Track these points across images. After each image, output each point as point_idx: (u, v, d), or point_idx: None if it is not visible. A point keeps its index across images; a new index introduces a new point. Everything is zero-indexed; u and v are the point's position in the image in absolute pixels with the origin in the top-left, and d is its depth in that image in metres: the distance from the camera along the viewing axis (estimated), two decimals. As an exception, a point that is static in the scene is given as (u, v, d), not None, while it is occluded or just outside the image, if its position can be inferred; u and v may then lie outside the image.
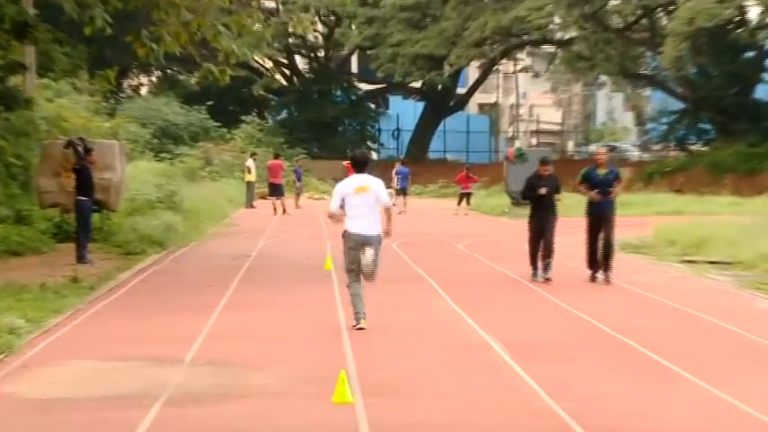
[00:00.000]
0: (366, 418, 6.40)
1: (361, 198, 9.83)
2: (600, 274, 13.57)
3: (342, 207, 9.83)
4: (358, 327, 9.74)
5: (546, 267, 13.59)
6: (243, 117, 46.87)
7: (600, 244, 13.47)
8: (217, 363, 8.14)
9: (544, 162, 13.94)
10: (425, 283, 13.52)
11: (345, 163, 11.76)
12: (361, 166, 10.16)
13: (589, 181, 13.59)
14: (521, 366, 8.03)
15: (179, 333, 9.47)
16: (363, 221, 9.80)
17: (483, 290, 13.00)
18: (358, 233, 9.79)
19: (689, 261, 16.22)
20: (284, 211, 29.62)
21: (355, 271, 9.90)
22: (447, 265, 16.16)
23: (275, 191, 30.20)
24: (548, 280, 13.42)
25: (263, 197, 35.53)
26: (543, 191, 13.51)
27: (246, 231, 22.93)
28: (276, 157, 32.19)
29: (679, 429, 6.31)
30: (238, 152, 41.34)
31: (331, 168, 45.28)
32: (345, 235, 9.87)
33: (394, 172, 32.49)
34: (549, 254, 13.61)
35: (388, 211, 10.10)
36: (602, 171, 13.60)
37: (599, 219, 13.46)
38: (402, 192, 32.07)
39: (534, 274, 13.66)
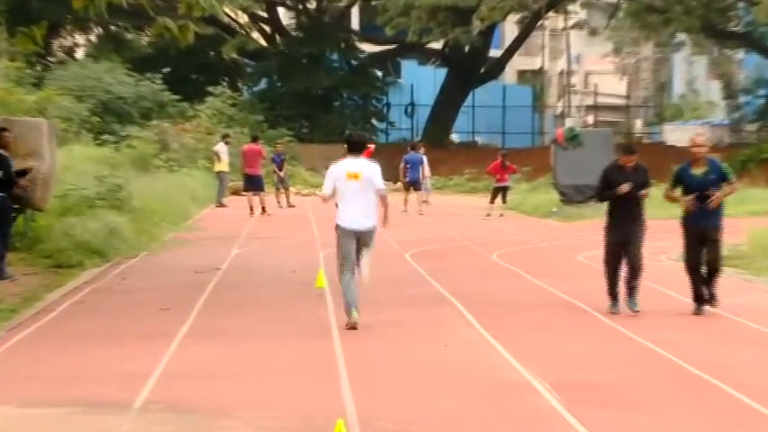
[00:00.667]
0: (370, 481, 6.42)
1: (353, 185, 11.64)
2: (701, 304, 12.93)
3: (335, 192, 11.74)
4: (350, 324, 11.51)
5: (632, 293, 12.93)
6: (210, 88, 46.99)
7: (703, 268, 12.77)
8: (176, 408, 8.17)
9: (628, 150, 13.09)
10: (448, 305, 13.54)
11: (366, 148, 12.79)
12: (356, 148, 11.93)
13: (682, 184, 12.67)
14: (572, 413, 8.04)
15: (127, 370, 9.50)
16: (354, 212, 11.64)
17: (523, 314, 13.01)
18: (349, 227, 11.65)
19: (794, 276, 16.19)
20: (264, 210, 29.71)
21: (347, 265, 11.67)
22: (476, 281, 16.17)
23: (252, 184, 30.26)
24: (635, 312, 12.80)
25: (236, 192, 35.57)
26: (625, 187, 12.68)
27: (215, 237, 22.97)
28: (254, 140, 32.09)
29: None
30: (204, 134, 41.43)
31: (325, 155, 44.96)
32: (337, 228, 11.73)
33: (402, 161, 32.50)
34: (635, 274, 12.91)
35: (383, 198, 11.86)
36: (698, 170, 12.60)
37: (699, 235, 12.62)
38: (413, 185, 32.09)
39: (614, 305, 12.95)
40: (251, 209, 29.57)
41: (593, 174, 32.91)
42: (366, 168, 11.75)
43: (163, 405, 8.28)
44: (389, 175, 41.55)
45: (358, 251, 11.74)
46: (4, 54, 29.74)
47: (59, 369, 9.65)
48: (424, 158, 34.55)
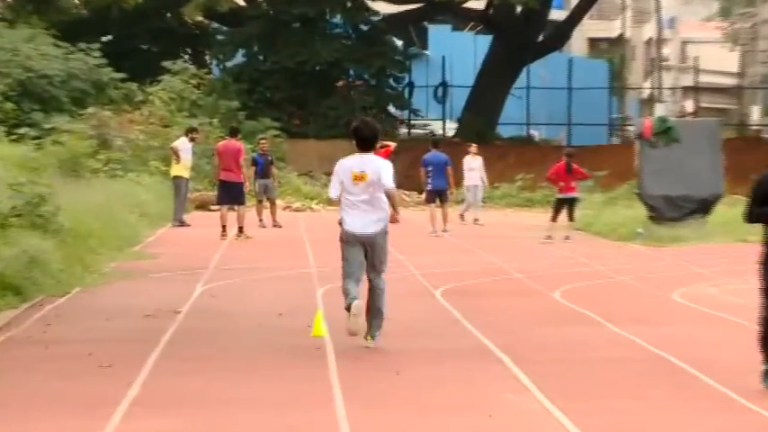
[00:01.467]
0: None
1: (360, 189, 13.54)
2: None
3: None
4: (350, 331, 13.68)
5: None
6: (166, 63, 47.10)
7: None
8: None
9: None
10: (494, 361, 13.51)
11: (382, 147, 14.19)
12: (366, 142, 13.61)
13: None
14: None
15: (52, 451, 9.49)
16: (361, 218, 13.63)
17: (597, 374, 12.98)
18: (355, 232, 13.67)
19: None
20: (241, 230, 29.60)
21: (353, 277, 13.72)
22: (532, 328, 16.13)
23: (229, 195, 29.85)
24: None
25: (202, 206, 35.66)
26: None
27: (173, 268, 22.97)
28: (232, 134, 31.55)
29: None
30: (158, 126, 41.52)
31: (324, 154, 45.36)
32: (342, 231, 13.71)
33: (422, 164, 32.48)
34: None
35: (391, 197, 13.70)
36: None
37: None
38: (438, 196, 32.04)
39: None
40: (223, 228, 29.45)
41: (693, 180, 32.90)
42: (373, 167, 13.41)
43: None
44: (412, 183, 41.42)
45: (367, 265, 13.84)
46: None
47: (-40, 449, 9.64)
48: (481, 160, 34.87)
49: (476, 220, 35.98)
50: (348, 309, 13.59)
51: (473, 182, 36.09)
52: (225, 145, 30.58)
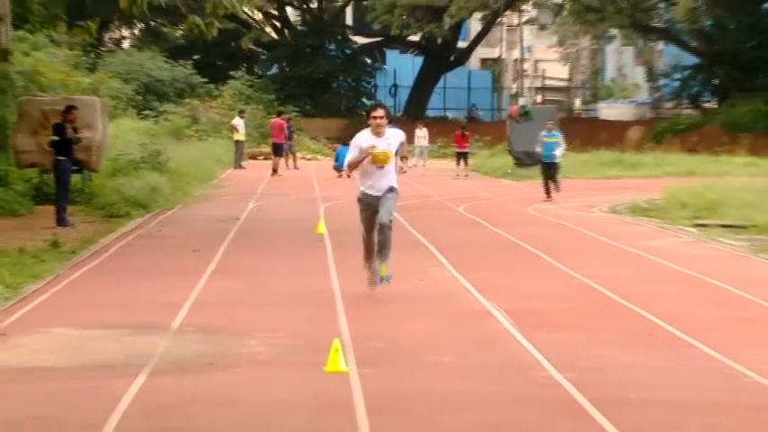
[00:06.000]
0: (361, 388, 6.45)
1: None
2: None
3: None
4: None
5: None
6: (231, 72, 46.67)
7: None
8: (204, 330, 8.20)
9: None
10: (423, 248, 13.55)
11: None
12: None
13: None
14: (523, 335, 8.09)
15: (165, 299, 9.52)
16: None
17: (484, 255, 13.05)
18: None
19: (701, 225, 16.25)
20: (275, 171, 29.74)
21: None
22: (446, 229, 16.20)
23: (275, 151, 30.80)
24: None
25: (252, 157, 35.57)
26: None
27: (235, 193, 22.94)
28: (279, 115, 33.35)
29: (686, 400, 6.38)
30: (226, 110, 41.23)
31: (324, 127, 45.21)
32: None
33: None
34: None
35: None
36: None
37: None
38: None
39: None
40: (274, 171, 29.82)
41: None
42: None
43: (194, 327, 8.32)
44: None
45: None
46: (65, 44, 29.48)
47: (111, 299, 9.66)
48: (426, 131, 35.44)
49: (423, 165, 36.01)
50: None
51: (420, 144, 36.55)
52: (274, 121, 32.00)
